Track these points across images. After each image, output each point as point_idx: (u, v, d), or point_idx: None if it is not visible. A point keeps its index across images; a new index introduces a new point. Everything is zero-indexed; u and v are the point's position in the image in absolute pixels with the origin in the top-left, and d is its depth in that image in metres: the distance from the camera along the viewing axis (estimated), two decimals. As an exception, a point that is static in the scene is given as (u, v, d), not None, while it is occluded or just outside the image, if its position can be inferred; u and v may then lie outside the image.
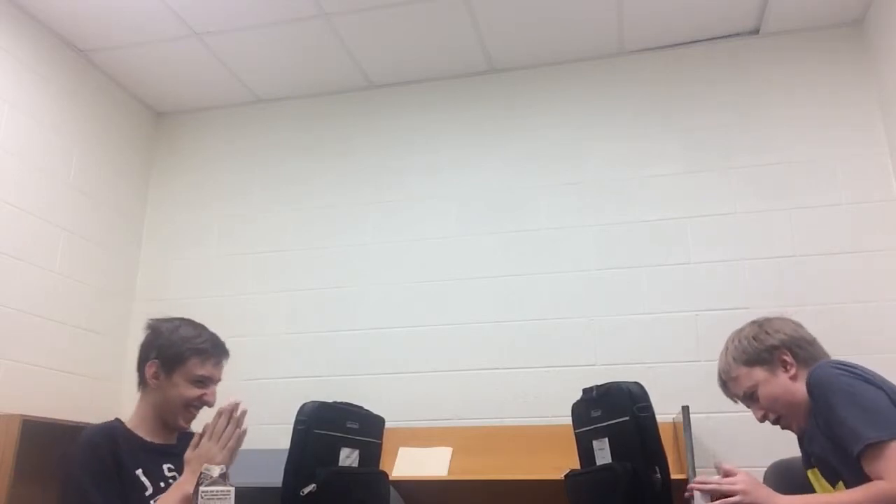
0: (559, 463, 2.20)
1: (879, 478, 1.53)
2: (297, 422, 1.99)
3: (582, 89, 3.30)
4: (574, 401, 2.14)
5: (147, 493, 1.78)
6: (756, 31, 3.14)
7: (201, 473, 1.59)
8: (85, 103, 3.31)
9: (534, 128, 3.30)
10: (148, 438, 1.88)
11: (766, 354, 1.83)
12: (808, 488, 1.80)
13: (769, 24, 3.09)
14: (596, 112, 3.25)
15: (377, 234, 3.33)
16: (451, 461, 2.83)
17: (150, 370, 1.91)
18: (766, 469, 2.06)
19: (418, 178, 3.36)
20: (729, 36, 3.17)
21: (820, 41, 3.09)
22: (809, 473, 1.83)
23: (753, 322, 1.92)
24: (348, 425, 2.07)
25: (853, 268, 2.81)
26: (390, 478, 2.37)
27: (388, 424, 2.37)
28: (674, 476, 1.88)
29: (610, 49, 3.26)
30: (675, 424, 2.57)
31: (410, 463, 2.83)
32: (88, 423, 2.84)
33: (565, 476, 2.10)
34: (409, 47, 3.24)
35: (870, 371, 1.71)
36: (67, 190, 3.17)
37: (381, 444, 2.26)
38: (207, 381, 1.93)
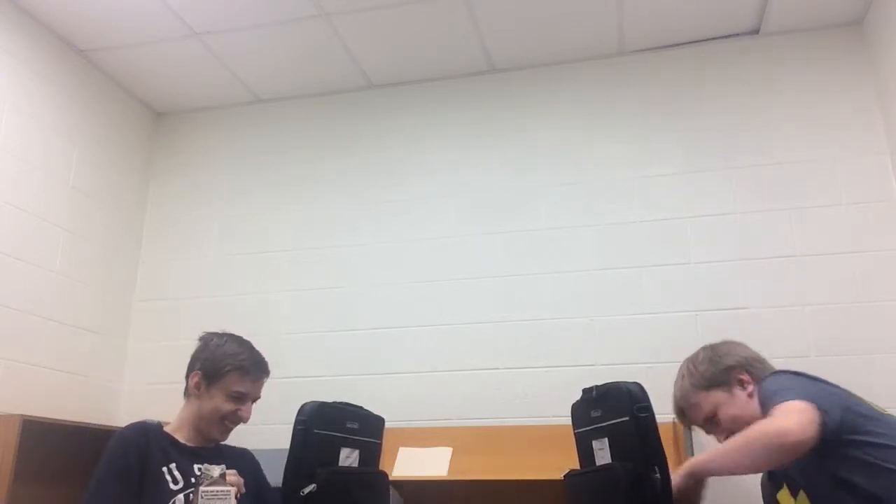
0: (559, 463, 2.20)
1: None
2: (297, 422, 1.99)
3: (582, 89, 3.30)
4: (574, 401, 2.14)
5: (177, 487, 1.87)
6: (756, 31, 3.14)
7: (201, 473, 1.60)
8: (85, 103, 3.31)
9: (534, 127, 3.30)
10: (184, 442, 1.98)
11: (723, 376, 1.88)
12: None
13: (769, 24, 3.09)
14: (596, 112, 3.25)
15: (377, 233, 3.33)
16: (451, 461, 2.82)
17: (192, 380, 2.02)
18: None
19: (418, 178, 3.36)
20: (729, 36, 3.17)
21: (820, 41, 3.09)
22: (779, 496, 1.84)
23: (704, 347, 1.98)
24: (348, 425, 2.07)
25: (853, 268, 2.81)
26: (390, 478, 2.37)
27: (388, 424, 2.37)
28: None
29: (610, 49, 3.26)
30: (675, 424, 2.56)
31: (410, 463, 2.83)
32: (88, 423, 2.87)
33: (565, 476, 2.10)
34: (409, 47, 3.24)
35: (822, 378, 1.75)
36: (67, 190, 3.17)
37: (380, 444, 2.26)
38: (244, 398, 2.02)
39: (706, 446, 2.67)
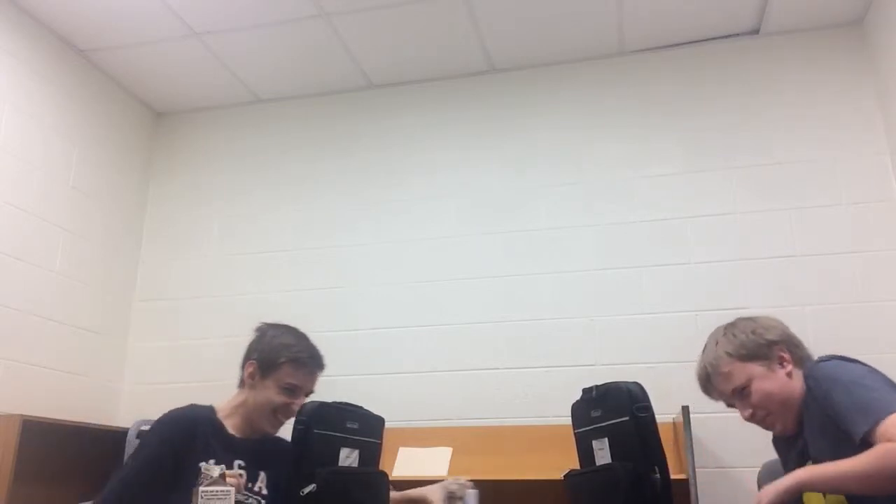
0: (559, 463, 2.20)
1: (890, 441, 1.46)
2: (296, 422, 1.99)
3: (582, 89, 3.30)
4: (574, 401, 2.14)
5: None
6: (756, 31, 3.14)
7: (201, 473, 1.60)
8: (85, 103, 3.31)
9: (534, 127, 3.30)
10: (231, 431, 1.95)
11: (765, 349, 1.77)
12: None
13: (769, 24, 3.09)
14: (596, 112, 3.25)
15: (377, 233, 3.33)
16: (451, 461, 2.83)
17: (248, 370, 2.00)
18: (759, 469, 2.05)
19: (418, 178, 3.36)
20: (729, 36, 3.17)
21: (820, 41, 3.09)
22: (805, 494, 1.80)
23: (742, 318, 1.85)
24: (348, 425, 2.07)
25: (853, 268, 2.81)
26: (390, 478, 2.37)
27: (388, 424, 2.37)
28: (674, 476, 1.88)
29: (610, 49, 3.26)
30: (675, 424, 2.57)
31: (410, 463, 2.83)
32: (88, 423, 2.87)
33: (565, 476, 2.10)
34: (409, 47, 3.24)
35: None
36: (67, 190, 3.17)
37: (380, 444, 2.26)
38: (297, 391, 2.00)
39: (706, 446, 2.67)
